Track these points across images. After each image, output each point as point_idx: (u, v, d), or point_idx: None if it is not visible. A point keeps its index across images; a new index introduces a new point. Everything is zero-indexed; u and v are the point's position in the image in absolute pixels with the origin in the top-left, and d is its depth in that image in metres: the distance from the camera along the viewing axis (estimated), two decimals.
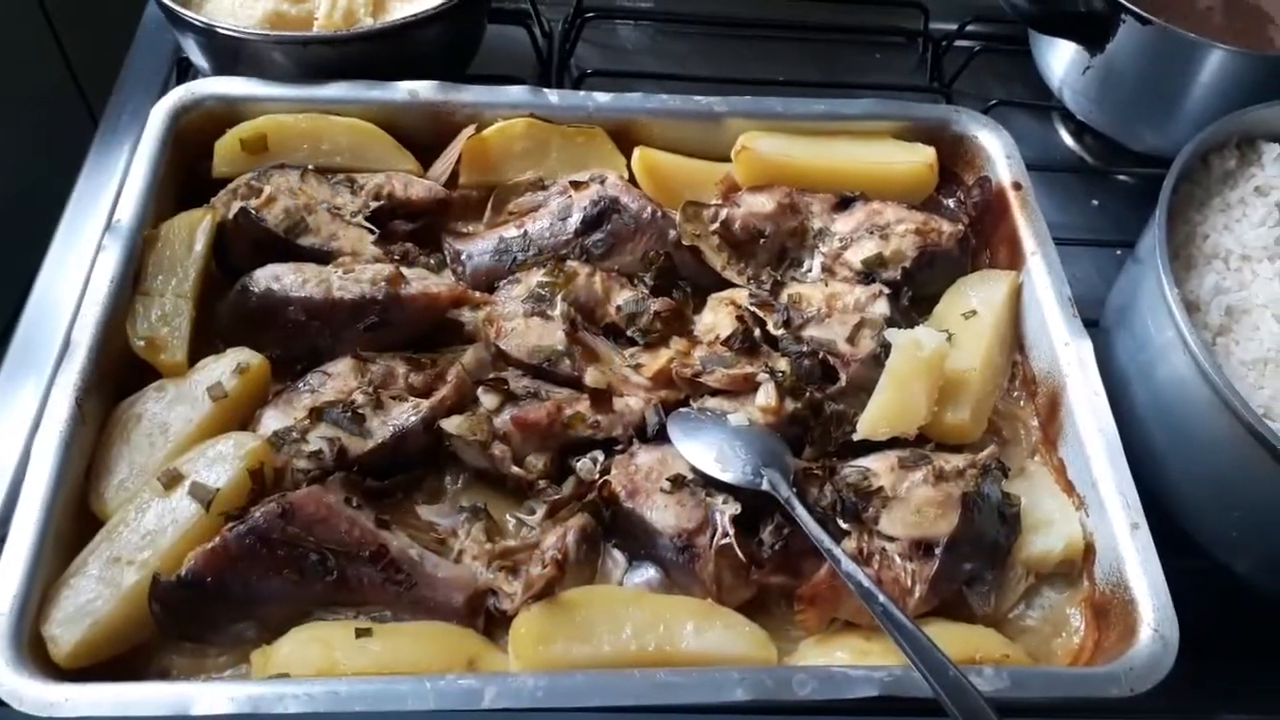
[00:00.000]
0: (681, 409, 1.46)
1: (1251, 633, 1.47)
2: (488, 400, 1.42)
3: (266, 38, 1.67)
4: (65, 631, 1.20)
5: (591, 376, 1.45)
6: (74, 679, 1.18)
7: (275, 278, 1.47)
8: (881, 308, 1.51)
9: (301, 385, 1.42)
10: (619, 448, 1.42)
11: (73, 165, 1.84)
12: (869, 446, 1.41)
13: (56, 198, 1.80)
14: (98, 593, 1.22)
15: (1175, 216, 1.54)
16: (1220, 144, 1.61)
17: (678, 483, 1.35)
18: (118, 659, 1.24)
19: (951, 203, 1.76)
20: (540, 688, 1.16)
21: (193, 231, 1.51)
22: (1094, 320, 1.59)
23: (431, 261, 1.62)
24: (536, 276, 1.55)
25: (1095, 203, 1.98)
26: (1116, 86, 1.88)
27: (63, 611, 1.21)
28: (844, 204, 1.66)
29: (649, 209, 1.60)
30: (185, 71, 1.93)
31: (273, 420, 1.38)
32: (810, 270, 1.62)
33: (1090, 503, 1.39)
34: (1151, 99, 1.85)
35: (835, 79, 2.09)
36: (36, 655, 1.19)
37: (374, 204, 1.60)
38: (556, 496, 1.38)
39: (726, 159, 1.71)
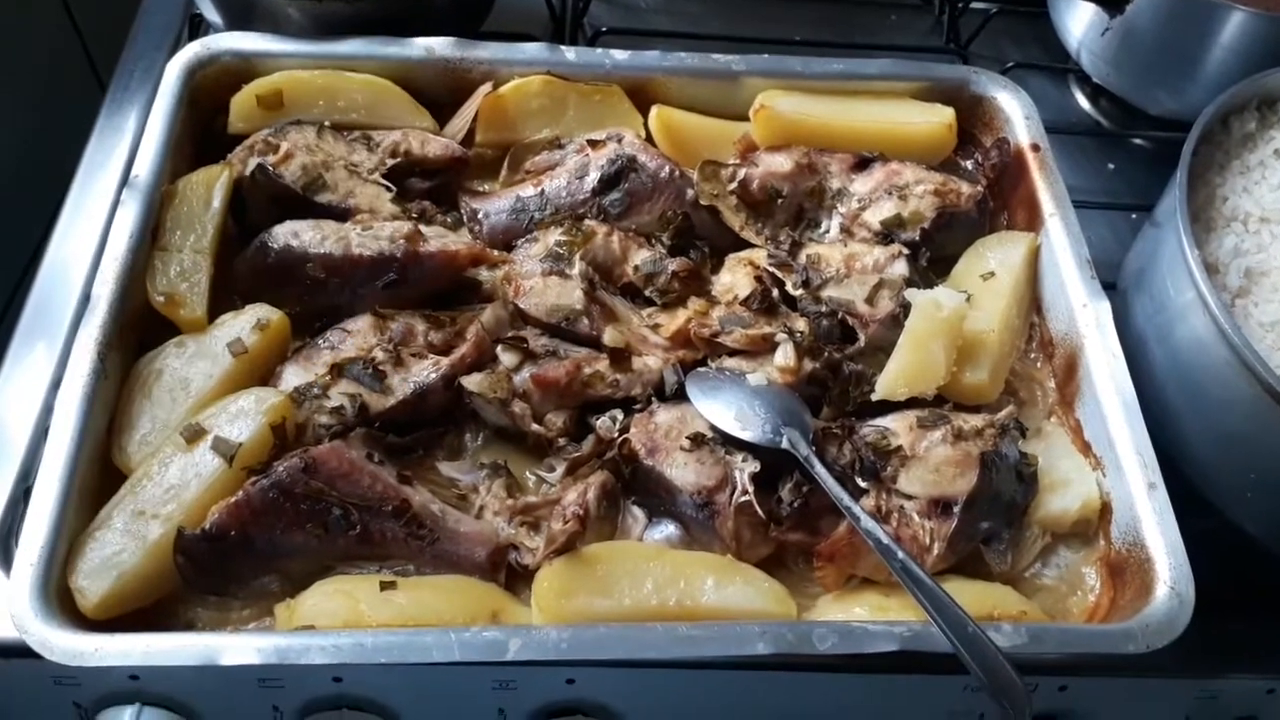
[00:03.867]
0: (700, 368, 1.46)
1: (1264, 593, 1.48)
2: (507, 358, 1.43)
3: None
4: (92, 583, 1.21)
5: (610, 336, 1.45)
6: (101, 630, 1.19)
7: (294, 234, 1.47)
8: (900, 268, 1.51)
9: (321, 342, 1.42)
10: (638, 406, 1.42)
11: (78, 125, 1.83)
12: (887, 406, 1.41)
13: (61, 157, 1.79)
14: (123, 545, 1.23)
15: (1194, 178, 1.54)
16: (1240, 106, 1.60)
17: (697, 441, 1.36)
18: (143, 611, 1.25)
19: (970, 164, 1.75)
20: (564, 640, 1.18)
21: (210, 187, 1.51)
22: (1110, 283, 1.59)
23: (448, 220, 1.62)
24: (554, 235, 1.54)
25: (1111, 166, 1.97)
26: (1135, 49, 1.87)
27: (89, 563, 1.22)
28: (862, 164, 1.65)
29: (667, 168, 1.60)
30: (197, 28, 1.92)
31: (293, 376, 1.38)
32: (828, 231, 1.62)
33: (1107, 463, 1.40)
34: (1170, 62, 1.84)
35: (850, 40, 2.07)
36: (65, 606, 1.20)
37: (391, 161, 1.60)
38: (576, 454, 1.38)
39: (744, 118, 1.70)
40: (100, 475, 1.31)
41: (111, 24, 2.04)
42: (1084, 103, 2.09)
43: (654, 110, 1.68)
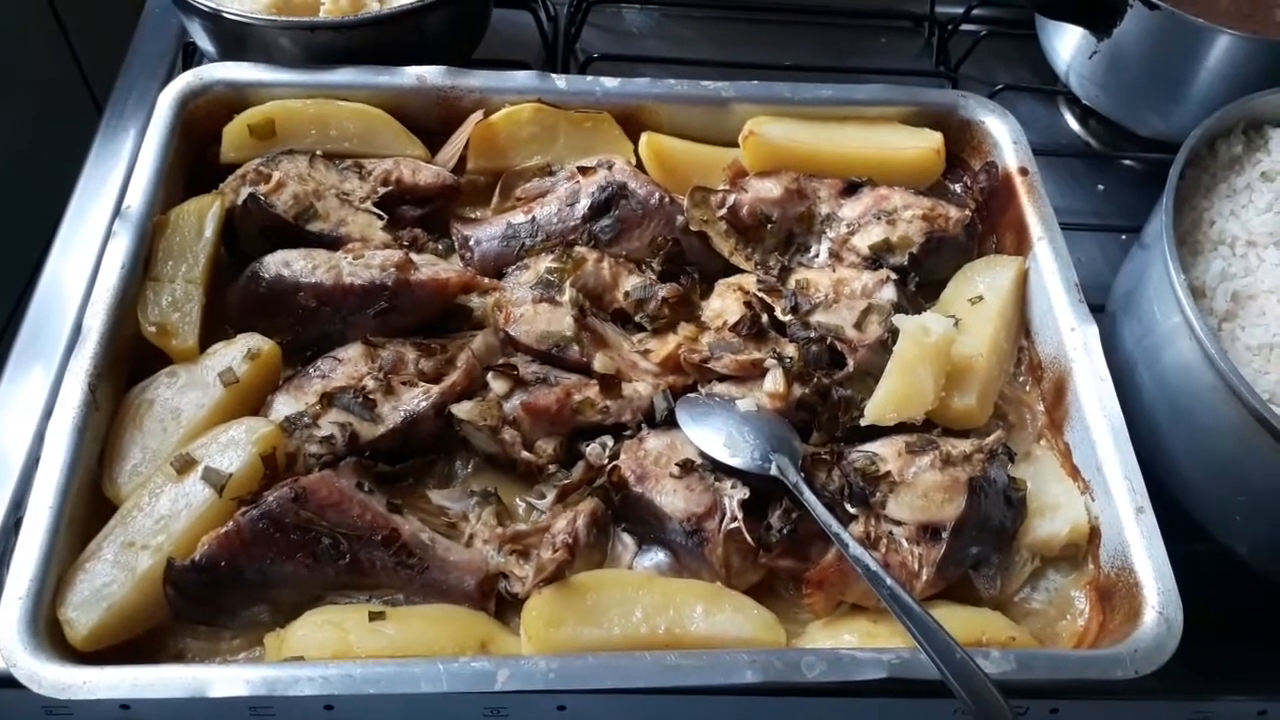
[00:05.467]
0: (689, 394, 1.47)
1: (1252, 617, 1.48)
2: (497, 386, 1.43)
3: (274, 22, 1.67)
4: (81, 615, 1.21)
5: (600, 362, 1.46)
6: (90, 662, 1.19)
7: (285, 263, 1.48)
8: (889, 293, 1.52)
9: (312, 371, 1.42)
10: (628, 433, 1.43)
11: (76, 150, 1.85)
12: (876, 432, 1.41)
13: (60, 183, 1.80)
14: (113, 577, 1.24)
15: (1181, 202, 1.55)
16: (1227, 129, 1.61)
17: (686, 468, 1.36)
18: (133, 642, 1.25)
19: (958, 188, 1.76)
20: (552, 670, 1.18)
21: (202, 217, 1.52)
22: (1099, 305, 1.60)
23: (440, 247, 1.63)
24: (545, 262, 1.55)
25: (1100, 187, 1.99)
26: (1123, 71, 1.88)
27: (79, 595, 1.23)
28: (851, 189, 1.66)
29: (656, 195, 1.61)
30: (191, 56, 1.94)
31: (284, 406, 1.39)
32: (817, 256, 1.63)
33: (1095, 487, 1.40)
34: (1158, 84, 1.85)
35: (841, 63, 2.09)
36: (53, 638, 1.20)
37: (382, 190, 1.61)
38: (566, 481, 1.39)
39: (734, 144, 1.71)
40: (91, 506, 1.31)
41: (108, 48, 2.05)
42: (1073, 124, 2.11)
43: (644, 137, 1.69)
